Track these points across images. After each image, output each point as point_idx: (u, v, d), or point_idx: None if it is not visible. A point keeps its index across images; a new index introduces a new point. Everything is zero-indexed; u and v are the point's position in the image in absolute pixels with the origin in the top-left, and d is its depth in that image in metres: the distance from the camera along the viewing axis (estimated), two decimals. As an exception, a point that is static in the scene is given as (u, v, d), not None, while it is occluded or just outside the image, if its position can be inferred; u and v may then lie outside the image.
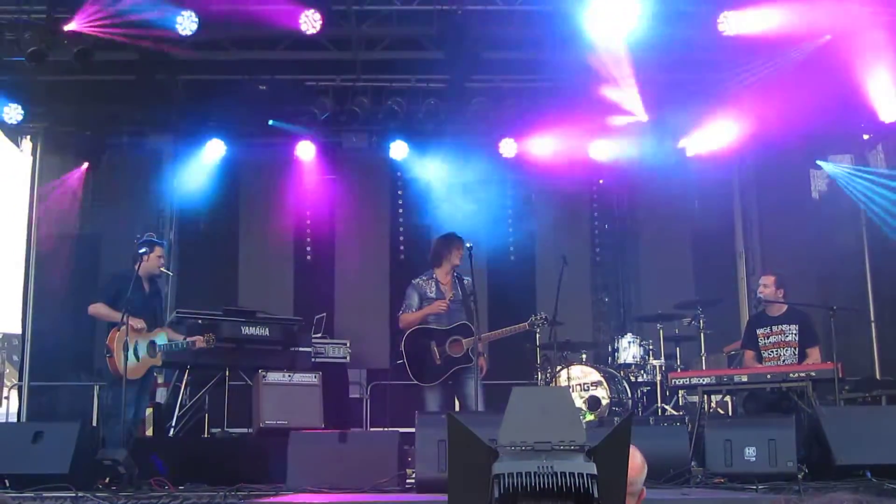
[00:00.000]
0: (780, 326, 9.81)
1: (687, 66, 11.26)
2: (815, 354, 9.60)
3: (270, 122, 12.33)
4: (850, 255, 12.64)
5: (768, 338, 9.86)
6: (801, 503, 1.94)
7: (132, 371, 9.04)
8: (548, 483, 2.03)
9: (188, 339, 9.60)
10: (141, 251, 9.39)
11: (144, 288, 9.54)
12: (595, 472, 2.06)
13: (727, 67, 10.95)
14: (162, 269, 9.80)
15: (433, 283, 9.65)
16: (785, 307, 9.88)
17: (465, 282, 9.67)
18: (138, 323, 9.12)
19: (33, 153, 12.26)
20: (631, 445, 2.36)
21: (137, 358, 9.13)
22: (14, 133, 12.06)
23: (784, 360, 9.72)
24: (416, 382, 9.47)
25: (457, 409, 9.49)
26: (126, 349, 8.92)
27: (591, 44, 10.48)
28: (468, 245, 9.33)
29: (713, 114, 11.92)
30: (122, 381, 8.80)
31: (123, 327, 9.14)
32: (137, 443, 8.92)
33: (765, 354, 9.86)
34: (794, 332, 9.76)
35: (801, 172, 12.95)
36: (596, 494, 2.04)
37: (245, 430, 10.85)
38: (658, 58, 11.00)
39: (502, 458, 2.15)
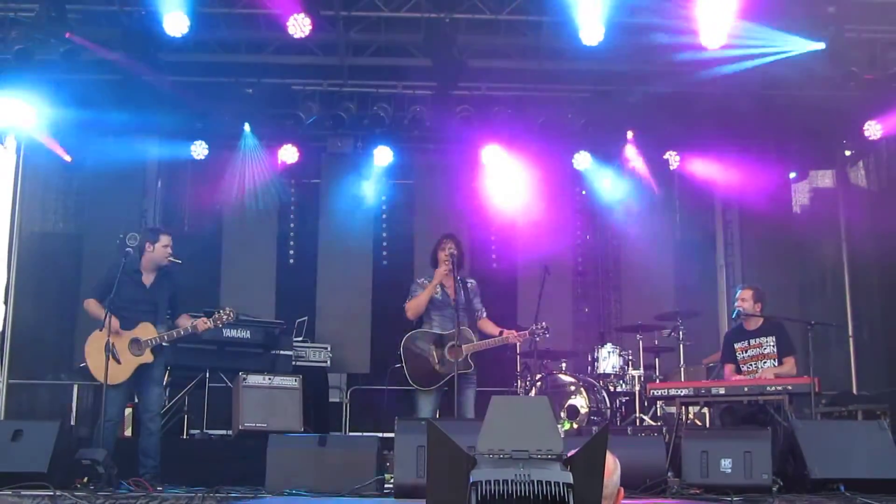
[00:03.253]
0: (757, 340, 9.84)
1: (669, 78, 11.30)
2: (790, 363, 9.63)
3: (247, 128, 12.40)
4: (830, 269, 12.73)
5: (746, 351, 9.89)
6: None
7: (115, 375, 8.51)
8: (524, 491, 2.07)
9: (190, 324, 8.91)
10: (146, 240, 9.07)
11: (143, 281, 9.01)
12: (571, 480, 2.10)
13: (711, 80, 11.00)
14: (170, 258, 9.05)
15: (438, 285, 9.57)
16: (761, 321, 9.93)
17: (469, 285, 9.67)
18: (114, 323, 8.62)
19: (17, 151, 12.22)
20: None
21: (119, 361, 8.55)
22: (-2, 131, 12.03)
23: (762, 374, 9.77)
24: (412, 388, 9.39)
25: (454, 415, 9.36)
26: (108, 350, 8.59)
27: (577, 53, 10.55)
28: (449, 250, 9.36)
29: (696, 126, 12.00)
30: (104, 385, 8.43)
31: (97, 332, 8.96)
32: (118, 444, 8.89)
33: (744, 368, 9.88)
34: (772, 343, 9.78)
35: (782, 186, 13.04)
36: (571, 503, 2.07)
37: (224, 432, 10.85)
38: (639, 69, 11.08)
39: (480, 465, 2.18)
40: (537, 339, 9.70)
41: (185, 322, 8.95)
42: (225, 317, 8.93)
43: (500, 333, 9.45)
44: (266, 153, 12.84)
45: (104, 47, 10.34)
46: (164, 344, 8.94)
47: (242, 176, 12.84)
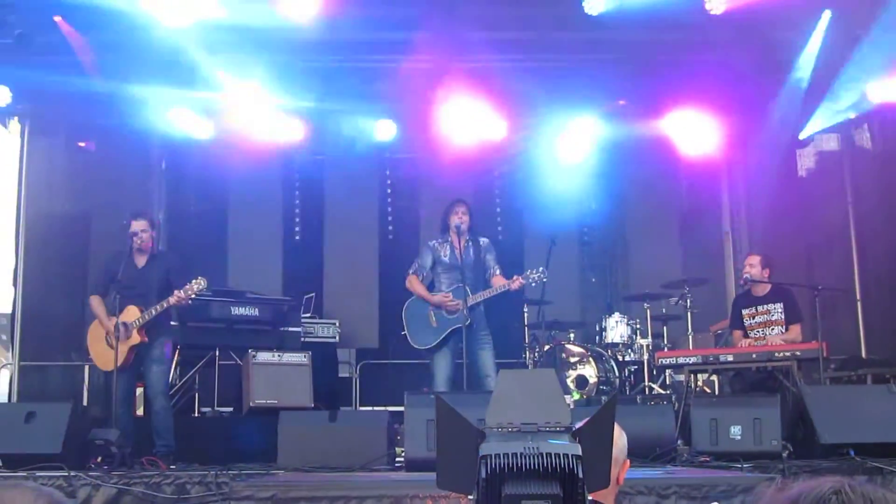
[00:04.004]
0: (765, 306, 9.85)
1: (674, 46, 11.26)
2: (795, 331, 9.65)
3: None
4: (837, 233, 12.69)
5: (754, 318, 9.91)
6: (784, 490, 1.98)
7: (112, 361, 8.67)
8: (533, 464, 2.08)
9: (166, 301, 8.84)
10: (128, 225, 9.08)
11: (137, 264, 9.07)
12: (580, 452, 2.11)
13: (715, 47, 10.94)
14: (138, 244, 9.00)
15: (448, 247, 9.58)
16: (769, 287, 9.93)
17: (482, 243, 9.67)
18: (100, 313, 8.95)
19: (21, 134, 12.23)
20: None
21: (111, 347, 8.72)
22: (2, 114, 12.02)
23: (770, 341, 9.79)
24: (422, 360, 9.45)
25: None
26: (118, 331, 8.68)
27: (580, 22, 10.50)
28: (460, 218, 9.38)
29: (698, 93, 11.95)
30: (114, 373, 8.66)
31: (95, 321, 9.13)
32: (131, 423, 8.96)
33: (751, 334, 9.89)
34: (780, 310, 9.79)
35: (788, 151, 13.00)
36: (581, 474, 2.09)
37: (235, 410, 10.90)
38: (643, 38, 11.04)
39: (489, 438, 2.20)
40: (533, 284, 9.61)
41: (171, 298, 8.87)
42: (196, 286, 8.85)
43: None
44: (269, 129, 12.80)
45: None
46: (149, 327, 8.91)
47: (248, 154, 12.82)
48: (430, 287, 9.58)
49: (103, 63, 10.97)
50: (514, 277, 9.39)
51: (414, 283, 9.60)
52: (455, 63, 11.57)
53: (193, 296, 8.99)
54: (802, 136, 12.61)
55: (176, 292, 8.82)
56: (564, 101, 12.04)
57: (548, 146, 12.76)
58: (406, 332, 9.54)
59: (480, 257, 9.58)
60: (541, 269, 9.51)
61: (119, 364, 8.70)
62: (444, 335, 9.32)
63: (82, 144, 12.36)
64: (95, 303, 9.11)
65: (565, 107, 12.23)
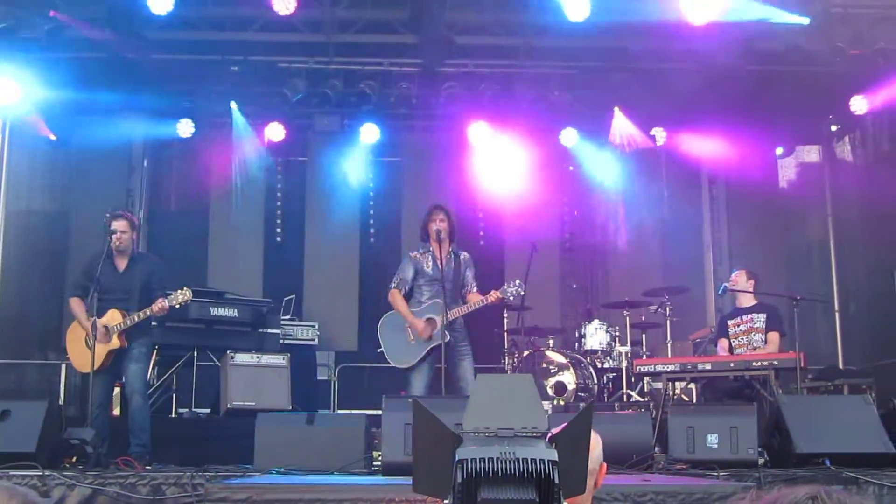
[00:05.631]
0: (749, 315, 9.97)
1: (655, 55, 11.31)
2: (774, 339, 9.75)
3: (234, 105, 12.36)
4: (816, 244, 12.78)
5: (738, 326, 10.01)
6: (758, 500, 1.98)
7: (87, 363, 8.61)
8: (509, 469, 2.08)
9: (149, 309, 8.72)
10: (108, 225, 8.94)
11: (118, 266, 8.96)
12: (556, 458, 2.11)
13: (697, 56, 10.99)
14: (117, 243, 8.84)
15: (429, 258, 9.44)
16: (755, 301, 10.03)
17: (462, 257, 9.62)
18: (82, 315, 8.83)
19: (2, 131, 12.17)
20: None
21: (90, 349, 8.58)
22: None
23: (753, 345, 9.87)
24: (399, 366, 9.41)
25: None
26: (95, 332, 8.64)
27: (566, 29, 10.53)
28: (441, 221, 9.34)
29: (683, 102, 12.00)
30: (90, 375, 8.60)
31: (74, 322, 9.07)
32: (107, 423, 8.92)
33: (735, 343, 10.00)
34: (763, 320, 9.92)
35: (769, 161, 13.07)
36: (557, 480, 2.09)
37: (212, 411, 10.87)
38: (628, 46, 11.09)
39: (466, 443, 2.19)
40: (511, 298, 9.59)
41: (155, 306, 8.75)
42: (181, 296, 8.80)
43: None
44: (253, 131, 12.82)
45: (89, 25, 10.30)
46: (128, 328, 8.81)
47: (229, 154, 12.82)
48: (409, 296, 9.50)
49: (88, 59, 10.98)
50: (492, 291, 9.35)
51: (396, 299, 9.46)
52: (441, 67, 11.61)
53: (177, 306, 8.93)
54: (783, 147, 12.71)
55: (159, 302, 8.73)
56: (549, 107, 12.07)
57: (531, 151, 12.79)
58: (383, 349, 9.45)
59: (460, 271, 9.54)
60: (517, 281, 9.44)
61: (97, 366, 8.63)
62: (423, 354, 9.27)
63: (53, 137, 12.27)
64: (75, 305, 8.98)
65: (550, 113, 12.27)
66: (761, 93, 11.65)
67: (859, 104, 11.70)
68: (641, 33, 10.74)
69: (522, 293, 9.59)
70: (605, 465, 3.63)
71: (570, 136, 12.93)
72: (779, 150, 13.26)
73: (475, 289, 9.51)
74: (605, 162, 13.10)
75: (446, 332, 9.01)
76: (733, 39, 10.51)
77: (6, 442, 7.78)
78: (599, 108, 12.50)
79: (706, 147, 12.92)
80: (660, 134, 12.97)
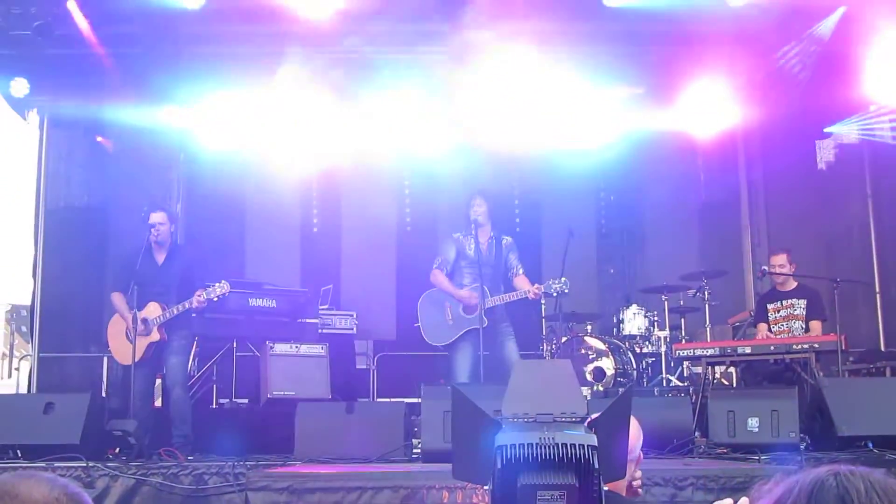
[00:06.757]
0: (789, 300, 9.89)
1: (693, 37, 11.20)
2: (816, 328, 9.66)
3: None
4: (856, 225, 12.64)
5: (778, 312, 9.93)
6: (782, 481, 1.97)
7: (129, 356, 8.77)
8: (549, 454, 2.08)
9: (188, 302, 8.92)
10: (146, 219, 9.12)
11: (157, 259, 9.13)
12: (595, 443, 2.11)
13: (734, 39, 10.88)
14: (156, 236, 9.04)
15: (472, 241, 9.49)
16: (795, 283, 9.94)
17: (504, 242, 9.65)
18: (123, 309, 8.99)
19: (40, 126, 12.27)
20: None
21: (131, 342, 8.77)
22: (20, 106, 12.04)
23: (793, 333, 9.79)
24: (441, 352, 9.43)
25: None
26: (129, 334, 8.79)
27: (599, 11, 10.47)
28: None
29: (717, 85, 11.89)
30: (131, 367, 8.74)
31: (115, 315, 9.18)
32: (150, 415, 9.02)
33: (774, 328, 9.92)
34: (803, 306, 9.83)
35: (806, 143, 12.92)
36: (596, 465, 2.09)
37: (252, 401, 10.93)
38: (662, 28, 10.99)
39: (505, 429, 2.20)
40: (554, 294, 9.60)
41: (194, 299, 8.91)
42: (219, 289, 8.93)
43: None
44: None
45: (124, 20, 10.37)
46: (168, 320, 8.99)
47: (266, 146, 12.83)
48: (451, 278, 9.56)
49: (121, 55, 11.02)
50: (535, 285, 9.39)
51: (439, 278, 9.56)
52: (471, 54, 11.55)
53: (215, 299, 9.03)
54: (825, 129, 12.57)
55: (197, 294, 8.88)
56: (582, 91, 11.98)
57: (566, 137, 12.71)
58: (420, 324, 9.52)
59: (502, 256, 9.57)
60: (563, 279, 9.51)
61: (137, 359, 8.75)
62: (459, 334, 9.31)
63: (101, 139, 12.36)
64: (117, 299, 9.15)
65: (583, 97, 12.18)
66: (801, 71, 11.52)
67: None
68: (673, 13, 10.63)
69: (566, 291, 9.60)
70: (641, 454, 3.62)
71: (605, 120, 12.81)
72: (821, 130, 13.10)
73: (521, 271, 9.59)
74: (639, 144, 12.97)
75: (484, 318, 9.03)
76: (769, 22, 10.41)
77: (51, 434, 7.90)
78: (633, 87, 12.37)
79: (742, 127, 12.78)
80: (693, 115, 12.82)
